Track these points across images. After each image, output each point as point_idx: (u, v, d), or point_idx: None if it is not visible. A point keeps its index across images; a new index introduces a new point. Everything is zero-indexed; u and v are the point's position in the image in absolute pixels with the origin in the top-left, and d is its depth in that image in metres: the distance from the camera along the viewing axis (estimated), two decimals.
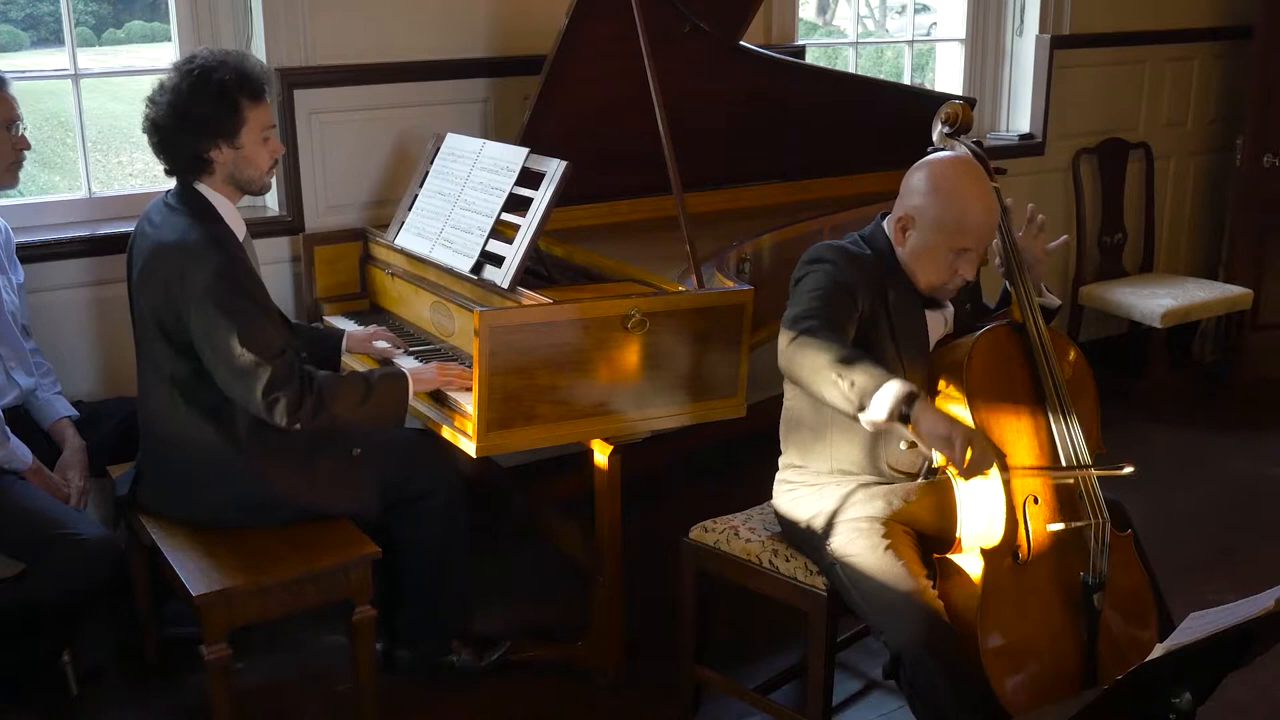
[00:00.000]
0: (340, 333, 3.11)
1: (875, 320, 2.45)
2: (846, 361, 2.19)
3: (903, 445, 2.48)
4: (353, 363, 3.10)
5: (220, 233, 2.64)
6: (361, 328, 3.22)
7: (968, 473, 2.20)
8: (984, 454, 2.17)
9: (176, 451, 2.71)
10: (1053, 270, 5.04)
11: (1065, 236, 2.85)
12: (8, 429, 2.83)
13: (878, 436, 2.48)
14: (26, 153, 2.96)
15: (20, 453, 2.84)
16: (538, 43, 3.49)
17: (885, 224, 2.55)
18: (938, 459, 2.26)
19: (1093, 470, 2.41)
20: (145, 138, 2.68)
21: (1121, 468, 2.41)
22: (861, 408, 2.16)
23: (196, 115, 2.61)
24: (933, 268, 2.47)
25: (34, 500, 2.78)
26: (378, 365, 3.04)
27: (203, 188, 2.68)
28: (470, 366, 2.73)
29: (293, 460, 2.70)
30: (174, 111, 2.62)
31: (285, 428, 2.58)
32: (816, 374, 2.22)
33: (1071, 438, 2.42)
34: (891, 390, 2.14)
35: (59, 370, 3.17)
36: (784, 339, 2.32)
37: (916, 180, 2.48)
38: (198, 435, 2.66)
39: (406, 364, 2.97)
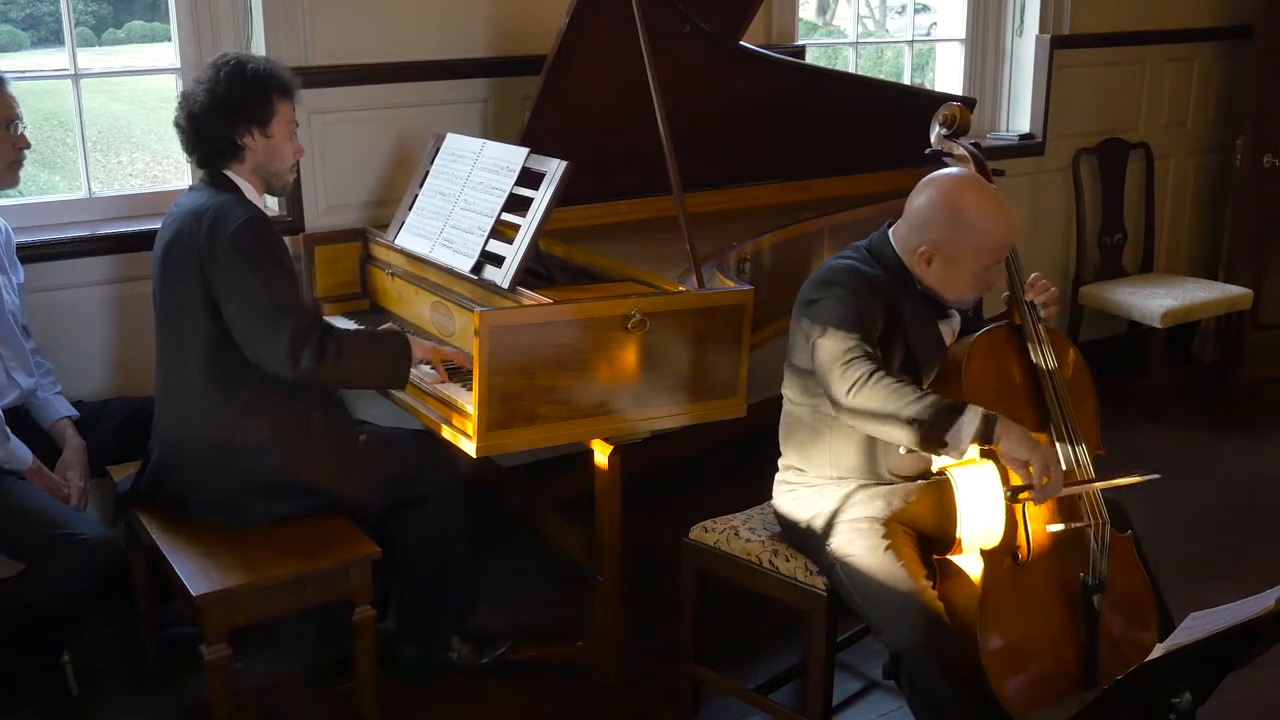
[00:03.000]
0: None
1: (891, 338, 2.45)
2: (907, 401, 2.24)
3: (902, 450, 2.49)
4: None
5: (246, 201, 2.72)
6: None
7: (1040, 498, 2.25)
8: (1059, 480, 2.24)
9: (192, 430, 2.73)
10: (1053, 270, 5.05)
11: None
12: (8, 429, 2.83)
13: (876, 441, 2.48)
14: (26, 152, 2.96)
15: (20, 453, 2.84)
16: (538, 43, 3.49)
17: (892, 236, 2.53)
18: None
19: (1111, 482, 2.41)
20: (176, 134, 2.78)
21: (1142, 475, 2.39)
22: (944, 443, 2.23)
23: (233, 100, 2.71)
24: (964, 287, 2.47)
25: (34, 500, 2.78)
26: None
27: (231, 173, 2.75)
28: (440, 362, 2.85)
29: (307, 439, 2.73)
30: (211, 98, 2.71)
31: (309, 373, 2.60)
32: (885, 422, 2.28)
33: (1070, 438, 2.42)
34: (970, 421, 2.21)
35: (59, 371, 3.17)
36: (839, 385, 2.33)
37: (930, 209, 2.44)
38: (215, 411, 2.69)
39: None
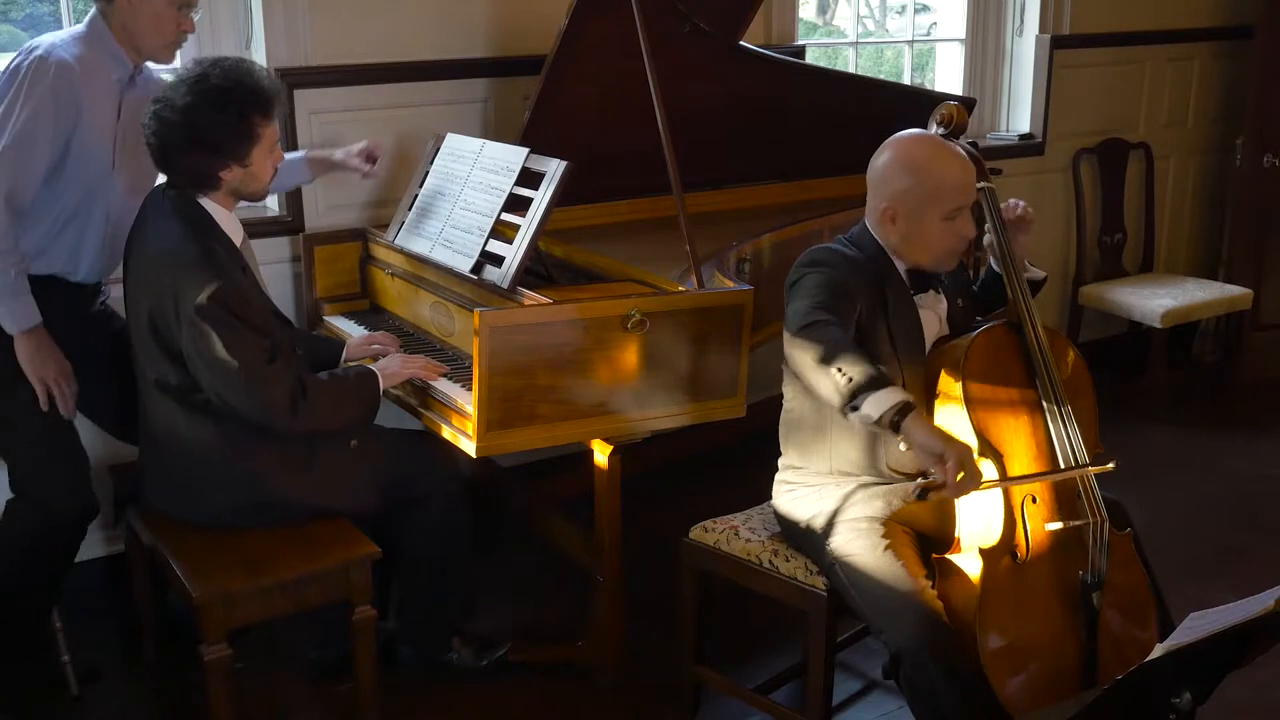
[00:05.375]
0: (341, 343, 3.10)
1: (873, 321, 2.46)
2: (848, 357, 2.19)
3: (902, 447, 2.48)
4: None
5: (216, 246, 2.61)
6: (362, 331, 3.23)
7: (954, 492, 2.18)
8: (972, 476, 2.16)
9: (175, 454, 2.70)
10: (1053, 270, 5.04)
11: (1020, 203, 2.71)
12: (26, 286, 2.70)
13: (877, 438, 2.48)
14: (190, 36, 2.85)
15: (24, 310, 2.71)
16: (538, 43, 3.49)
17: (867, 222, 2.56)
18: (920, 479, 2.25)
19: (1087, 469, 2.41)
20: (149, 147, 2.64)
21: (1107, 463, 2.40)
22: (855, 406, 2.16)
23: (211, 138, 2.57)
24: (935, 241, 2.48)
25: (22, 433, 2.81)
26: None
27: (204, 200, 2.66)
28: (441, 361, 2.90)
29: (291, 459, 2.70)
30: (185, 132, 2.56)
31: (278, 429, 2.60)
32: (816, 365, 2.21)
33: (1069, 438, 2.42)
34: (890, 396, 2.15)
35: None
36: (788, 333, 2.32)
37: (884, 168, 2.52)
38: (195, 438, 2.66)
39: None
